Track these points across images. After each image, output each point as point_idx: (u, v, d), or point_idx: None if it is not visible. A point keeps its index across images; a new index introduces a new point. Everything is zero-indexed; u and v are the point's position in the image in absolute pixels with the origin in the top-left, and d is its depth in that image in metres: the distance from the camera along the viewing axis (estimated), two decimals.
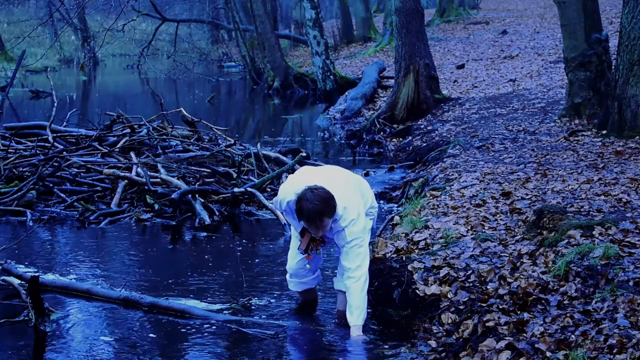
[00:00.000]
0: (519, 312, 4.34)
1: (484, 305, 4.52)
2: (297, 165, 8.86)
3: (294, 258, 5.24)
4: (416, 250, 5.54)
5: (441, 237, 5.65)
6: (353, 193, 4.88)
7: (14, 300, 5.48)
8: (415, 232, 5.87)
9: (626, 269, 4.39)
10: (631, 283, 4.25)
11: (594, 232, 4.98)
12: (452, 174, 7.75)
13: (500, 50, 21.31)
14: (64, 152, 9.64)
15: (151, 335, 4.98)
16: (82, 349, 4.75)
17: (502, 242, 5.36)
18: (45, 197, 8.60)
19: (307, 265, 5.15)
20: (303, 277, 5.28)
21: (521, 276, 4.71)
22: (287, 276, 5.38)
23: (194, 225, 7.81)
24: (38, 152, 9.69)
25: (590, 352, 3.70)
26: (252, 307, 5.36)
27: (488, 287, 4.75)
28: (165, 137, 10.29)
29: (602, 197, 5.98)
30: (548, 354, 3.82)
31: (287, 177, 6.78)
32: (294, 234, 5.23)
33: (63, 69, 32.38)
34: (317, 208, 4.58)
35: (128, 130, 10.61)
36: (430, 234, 5.78)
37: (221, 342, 4.81)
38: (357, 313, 4.77)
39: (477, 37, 25.11)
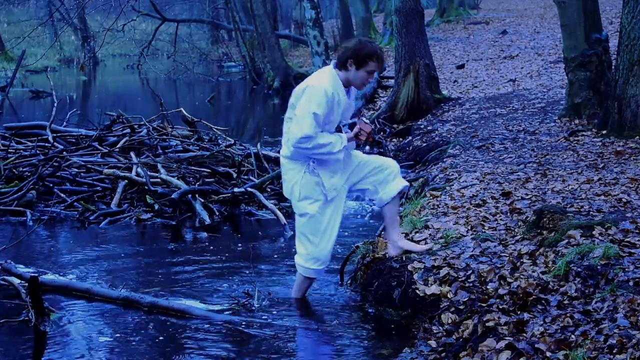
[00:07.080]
0: (519, 312, 4.33)
1: (484, 305, 4.51)
2: None
3: (329, 238, 5.17)
4: None
5: (441, 237, 5.64)
6: None
7: (14, 300, 5.48)
8: (415, 232, 5.87)
9: (626, 269, 4.39)
10: (631, 283, 4.25)
11: (594, 232, 4.98)
12: (452, 174, 7.75)
13: (500, 50, 21.30)
14: (64, 152, 9.65)
15: (151, 335, 4.98)
16: (82, 349, 4.75)
17: (502, 242, 5.36)
18: (45, 197, 8.60)
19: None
20: (328, 259, 5.27)
21: (521, 276, 4.71)
22: (315, 266, 5.22)
23: (194, 225, 7.81)
24: (38, 152, 9.69)
25: (590, 352, 3.70)
26: (252, 307, 5.35)
27: (488, 287, 4.75)
28: (165, 137, 10.29)
29: (602, 197, 5.98)
30: (548, 354, 3.82)
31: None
32: (317, 214, 5.10)
33: (63, 69, 32.39)
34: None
35: (128, 130, 10.61)
36: (430, 234, 5.77)
37: (221, 342, 4.81)
38: None
39: (477, 37, 25.10)
